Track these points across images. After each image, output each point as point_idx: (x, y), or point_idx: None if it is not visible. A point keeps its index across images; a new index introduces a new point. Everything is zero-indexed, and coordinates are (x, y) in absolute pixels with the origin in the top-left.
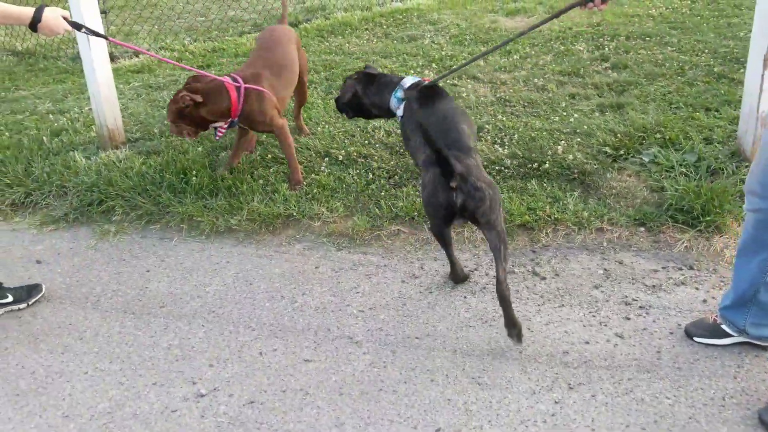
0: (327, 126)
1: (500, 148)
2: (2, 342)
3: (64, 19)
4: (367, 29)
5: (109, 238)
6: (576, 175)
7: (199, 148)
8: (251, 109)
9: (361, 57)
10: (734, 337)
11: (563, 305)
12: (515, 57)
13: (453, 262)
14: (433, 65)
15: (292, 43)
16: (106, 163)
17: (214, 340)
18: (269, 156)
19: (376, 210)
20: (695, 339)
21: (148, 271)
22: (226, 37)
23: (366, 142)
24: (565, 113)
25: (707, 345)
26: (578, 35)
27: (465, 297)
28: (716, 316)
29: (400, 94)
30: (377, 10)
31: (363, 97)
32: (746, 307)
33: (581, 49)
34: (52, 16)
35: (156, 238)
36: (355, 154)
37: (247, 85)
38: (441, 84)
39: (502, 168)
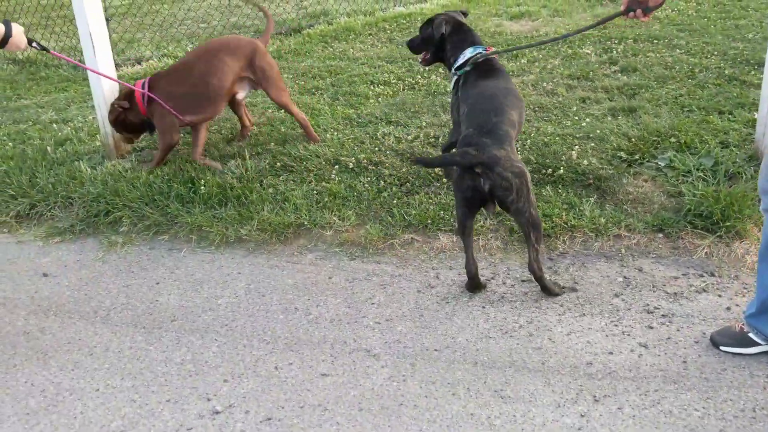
0: (336, 133)
1: None
2: (11, 359)
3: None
4: (370, 34)
5: (117, 250)
6: (591, 181)
7: (207, 158)
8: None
9: (366, 62)
10: (762, 345)
11: (584, 314)
12: (523, 61)
13: (468, 257)
14: (440, 69)
15: (228, 55)
16: (112, 173)
17: (228, 354)
18: (278, 164)
19: (389, 218)
20: (721, 348)
21: (157, 283)
22: None
23: (376, 148)
24: (576, 117)
25: (734, 354)
26: (585, 38)
27: (483, 307)
28: (742, 324)
29: (457, 64)
30: (380, 15)
31: (447, 41)
32: None
33: (589, 52)
34: (18, 31)
35: (165, 249)
36: (365, 161)
37: (149, 93)
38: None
39: None
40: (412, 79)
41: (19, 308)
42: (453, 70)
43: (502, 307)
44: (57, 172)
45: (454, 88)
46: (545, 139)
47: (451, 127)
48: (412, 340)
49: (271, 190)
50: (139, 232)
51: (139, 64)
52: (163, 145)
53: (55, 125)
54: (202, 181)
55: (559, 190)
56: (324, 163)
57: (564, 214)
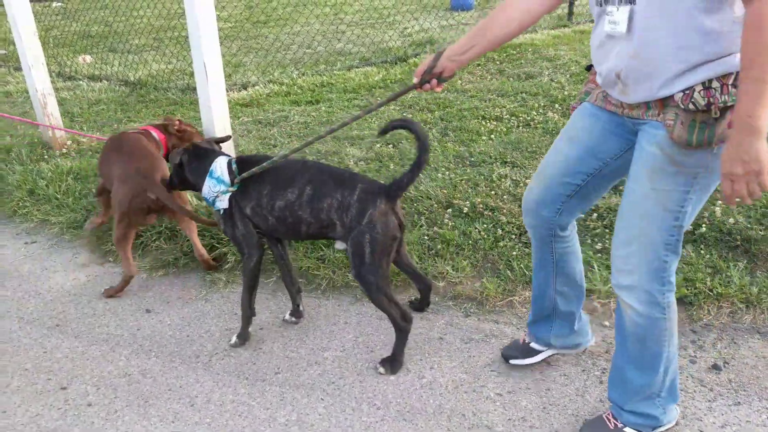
0: (447, 172)
1: None
2: (111, 403)
3: None
4: (479, 65)
5: (220, 289)
6: (739, 243)
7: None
8: None
9: (476, 95)
10: (544, 352)
11: (739, 402)
12: None
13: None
14: (557, 106)
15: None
16: None
17: (336, 418)
18: None
19: (508, 272)
20: (510, 362)
21: (261, 329)
22: (335, 71)
23: (492, 192)
24: None
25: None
26: None
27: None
28: (525, 335)
29: (221, 176)
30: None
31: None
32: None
33: None
34: None
35: (269, 291)
36: (480, 205)
37: None
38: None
39: None
40: (527, 116)
41: (121, 346)
42: (212, 191)
43: None
44: None
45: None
46: None
47: (246, 248)
48: (539, 419)
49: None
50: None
51: (245, 89)
52: None
53: None
54: None
55: (701, 251)
56: (436, 205)
57: (708, 279)
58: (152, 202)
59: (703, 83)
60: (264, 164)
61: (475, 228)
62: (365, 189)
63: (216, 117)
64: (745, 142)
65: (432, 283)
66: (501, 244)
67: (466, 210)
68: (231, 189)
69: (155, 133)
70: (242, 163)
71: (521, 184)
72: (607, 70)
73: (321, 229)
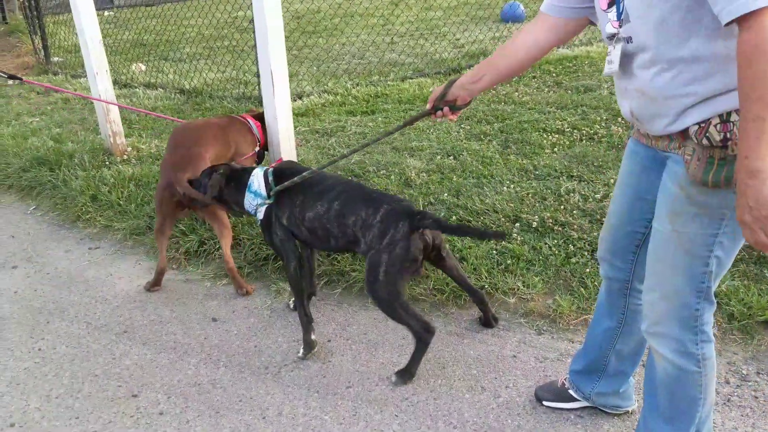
0: (512, 186)
1: None
2: (183, 413)
3: None
4: (534, 77)
5: (285, 298)
6: None
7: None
8: None
9: (535, 108)
10: (580, 401)
11: None
12: None
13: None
14: (619, 119)
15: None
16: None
17: None
18: (453, 218)
19: (581, 289)
20: (544, 403)
21: (329, 341)
22: (388, 82)
23: (561, 206)
24: None
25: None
26: None
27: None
28: (565, 378)
29: (258, 189)
30: (543, 58)
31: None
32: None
33: None
34: None
35: (335, 302)
36: (550, 220)
37: None
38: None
39: None
40: (590, 129)
41: (190, 355)
42: (253, 204)
43: (729, 413)
44: None
45: (265, 220)
46: None
47: (284, 254)
48: None
49: (447, 246)
50: None
51: (300, 99)
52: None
53: None
54: None
55: None
56: (503, 219)
57: None
58: (181, 195)
59: (720, 115)
60: (295, 179)
61: (545, 243)
62: (389, 210)
63: (281, 126)
64: (748, 186)
65: (484, 295)
66: (573, 260)
67: (534, 224)
68: (267, 201)
69: (251, 121)
70: (278, 174)
71: (590, 199)
72: (622, 106)
73: (348, 243)
